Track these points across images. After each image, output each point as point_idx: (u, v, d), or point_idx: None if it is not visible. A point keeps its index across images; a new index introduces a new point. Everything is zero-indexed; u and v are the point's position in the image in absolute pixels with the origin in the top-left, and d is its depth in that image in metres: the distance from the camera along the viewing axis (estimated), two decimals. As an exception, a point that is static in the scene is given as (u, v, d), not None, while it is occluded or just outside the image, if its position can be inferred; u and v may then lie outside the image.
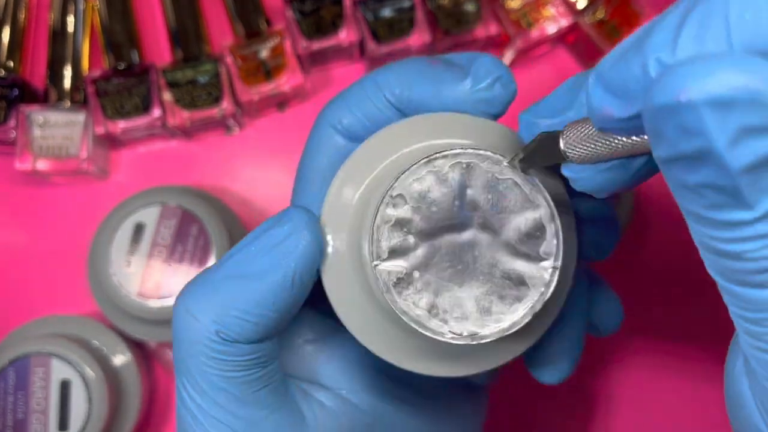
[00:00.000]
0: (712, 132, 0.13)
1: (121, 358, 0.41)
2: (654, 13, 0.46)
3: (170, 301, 0.39)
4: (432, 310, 0.22)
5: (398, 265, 0.22)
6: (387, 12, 0.44)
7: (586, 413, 0.45)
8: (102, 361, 0.40)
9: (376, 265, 0.22)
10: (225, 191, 0.46)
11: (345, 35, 0.44)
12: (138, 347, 0.43)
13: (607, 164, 0.20)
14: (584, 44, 0.47)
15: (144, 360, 0.43)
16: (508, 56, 0.47)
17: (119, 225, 0.40)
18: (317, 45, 0.44)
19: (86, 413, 0.38)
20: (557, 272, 0.22)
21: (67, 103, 0.44)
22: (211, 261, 0.40)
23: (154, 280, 0.40)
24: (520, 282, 0.22)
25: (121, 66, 0.44)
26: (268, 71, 0.44)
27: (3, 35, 0.45)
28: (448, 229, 0.23)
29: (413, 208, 0.22)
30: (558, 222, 0.22)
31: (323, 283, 0.24)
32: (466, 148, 0.22)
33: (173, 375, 0.44)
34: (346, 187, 0.24)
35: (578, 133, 0.20)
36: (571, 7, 0.46)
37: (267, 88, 0.44)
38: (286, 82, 0.44)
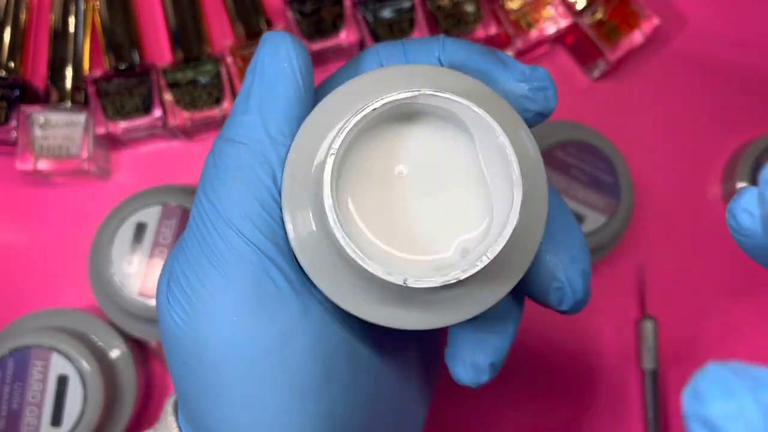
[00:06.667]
0: None
1: (117, 353, 0.41)
2: (654, 13, 0.46)
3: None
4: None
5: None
6: (387, 13, 0.44)
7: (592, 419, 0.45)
8: (99, 357, 0.40)
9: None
10: (225, 191, 0.46)
11: (345, 36, 0.44)
12: (135, 342, 0.43)
13: None
14: (583, 45, 0.47)
15: (141, 355, 0.43)
16: (507, 57, 0.47)
17: (120, 225, 0.40)
18: (317, 45, 0.44)
19: (80, 410, 0.39)
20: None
21: (68, 104, 0.44)
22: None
23: (155, 280, 0.40)
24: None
25: (122, 66, 0.44)
26: (268, 72, 0.44)
27: (4, 36, 0.45)
28: None
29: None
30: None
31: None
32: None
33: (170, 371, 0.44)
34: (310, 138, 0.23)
35: None
36: (570, 8, 0.46)
37: (267, 88, 0.44)
38: (286, 82, 0.44)
